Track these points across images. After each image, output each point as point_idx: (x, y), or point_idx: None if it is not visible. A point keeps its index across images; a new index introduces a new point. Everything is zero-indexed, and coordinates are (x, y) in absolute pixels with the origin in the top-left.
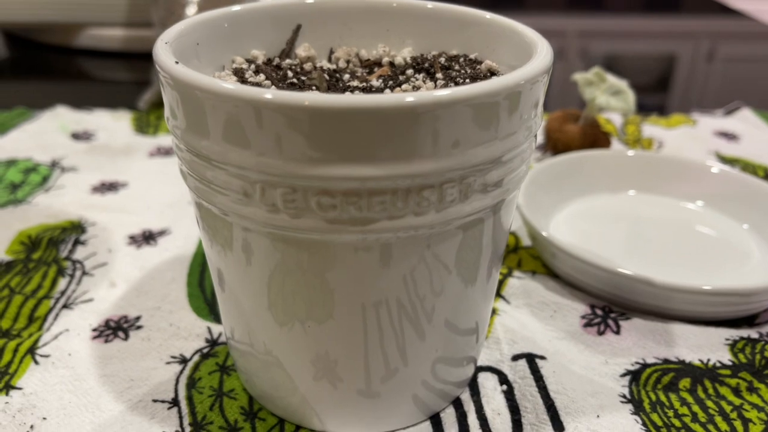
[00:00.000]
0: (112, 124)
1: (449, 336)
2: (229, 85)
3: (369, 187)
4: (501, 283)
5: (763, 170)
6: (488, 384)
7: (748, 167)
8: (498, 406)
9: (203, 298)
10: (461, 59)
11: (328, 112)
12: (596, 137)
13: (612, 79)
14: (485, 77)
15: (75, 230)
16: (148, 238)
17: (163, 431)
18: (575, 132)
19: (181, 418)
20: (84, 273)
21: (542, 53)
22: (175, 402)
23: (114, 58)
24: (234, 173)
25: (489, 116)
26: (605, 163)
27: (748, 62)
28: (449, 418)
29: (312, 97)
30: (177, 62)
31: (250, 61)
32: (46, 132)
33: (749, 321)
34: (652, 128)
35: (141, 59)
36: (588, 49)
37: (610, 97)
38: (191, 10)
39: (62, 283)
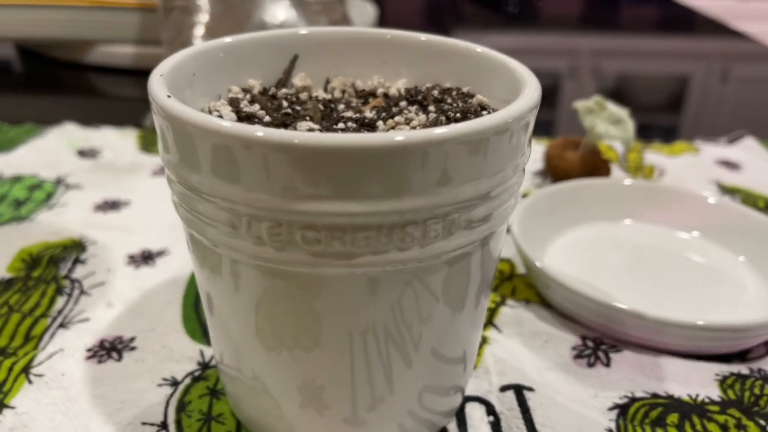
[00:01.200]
0: (118, 142)
1: (436, 365)
2: (219, 121)
3: (353, 222)
4: (493, 311)
5: (763, 200)
6: (475, 415)
7: (749, 197)
8: None
9: (198, 320)
10: (454, 92)
11: (312, 151)
12: (596, 165)
13: (612, 108)
14: (476, 111)
15: (76, 248)
16: (146, 258)
17: None
18: (575, 159)
19: None
20: (82, 292)
21: (531, 90)
22: (164, 425)
23: (124, 74)
24: (222, 206)
25: (475, 154)
26: (602, 192)
27: (762, 83)
28: None
29: (300, 136)
30: (169, 96)
31: (246, 91)
32: (53, 148)
33: (741, 356)
34: (654, 156)
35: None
36: (601, 68)
37: (610, 126)
38: (199, 30)
39: (60, 301)
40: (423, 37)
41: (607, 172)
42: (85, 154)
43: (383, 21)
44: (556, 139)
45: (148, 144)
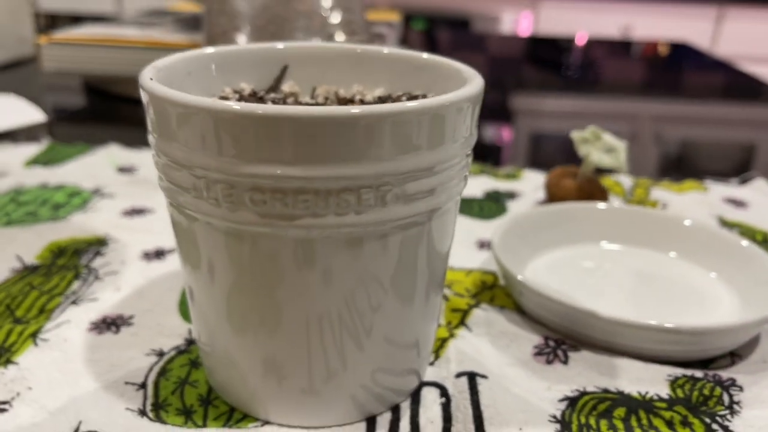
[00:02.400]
0: None
1: (387, 348)
2: (184, 95)
3: (293, 186)
4: (466, 312)
5: (761, 234)
6: (429, 396)
7: (747, 231)
8: (433, 415)
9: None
10: (420, 98)
11: (250, 118)
12: (592, 192)
13: (607, 138)
14: None
15: (98, 244)
16: (159, 254)
17: (127, 408)
18: (571, 187)
19: (145, 398)
20: (96, 278)
21: (475, 83)
22: (143, 385)
23: None
24: (189, 173)
25: (407, 131)
26: (581, 215)
27: None
28: (383, 421)
29: (241, 105)
30: (151, 79)
31: (237, 92)
32: (96, 165)
33: (704, 364)
34: (661, 192)
35: None
36: (662, 133)
37: (603, 155)
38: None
39: (76, 284)
40: (385, 50)
41: (605, 199)
42: (124, 170)
43: None
44: (555, 169)
45: None
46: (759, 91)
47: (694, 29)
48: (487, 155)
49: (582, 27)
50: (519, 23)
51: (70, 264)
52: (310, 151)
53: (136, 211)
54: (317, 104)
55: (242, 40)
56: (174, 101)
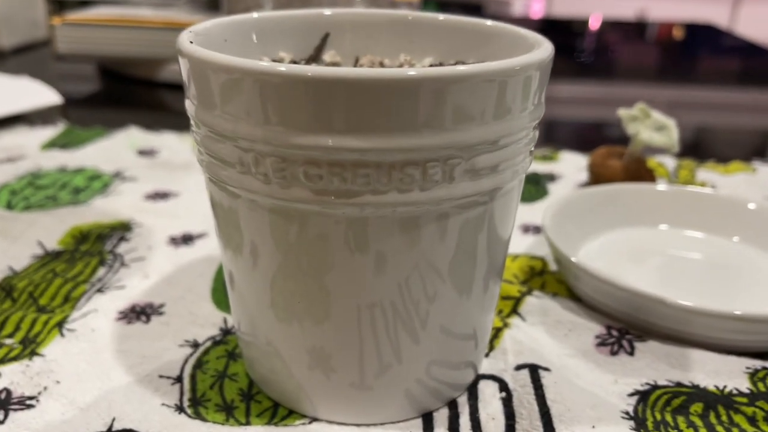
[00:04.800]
0: (176, 144)
1: (444, 339)
2: (229, 57)
3: (354, 158)
4: (518, 300)
5: None
6: (488, 390)
7: None
8: (494, 411)
9: (225, 293)
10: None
11: (307, 82)
12: (640, 173)
13: (656, 115)
14: None
15: (122, 229)
16: (186, 239)
17: (163, 403)
18: (618, 168)
19: (182, 393)
20: (122, 264)
21: (541, 48)
22: (179, 379)
23: None
24: (234, 145)
25: (478, 97)
26: (637, 196)
27: None
28: (441, 417)
29: (291, 68)
30: (191, 42)
31: (276, 61)
32: (115, 148)
33: None
34: (707, 174)
35: None
36: (678, 119)
37: (654, 132)
38: None
39: (101, 271)
40: (441, 17)
41: (652, 180)
42: (144, 153)
43: None
44: (599, 149)
45: None
46: None
47: (711, 11)
48: None
49: (596, 9)
50: (531, 6)
51: (94, 250)
52: (367, 118)
53: (159, 195)
54: None
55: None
56: (216, 64)
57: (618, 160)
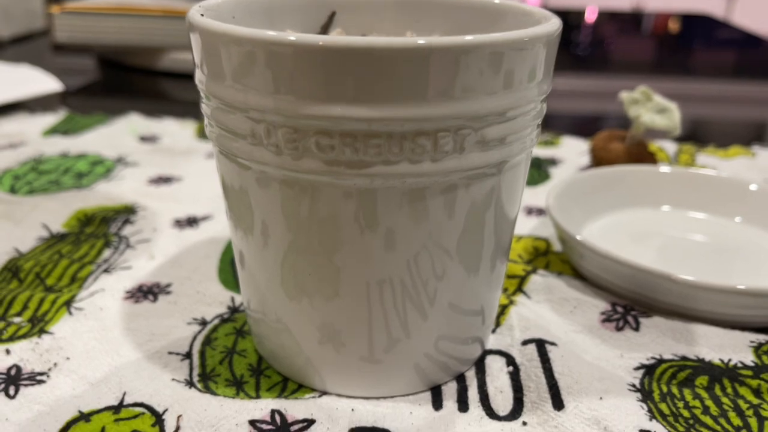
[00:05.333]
0: (177, 131)
1: (451, 315)
2: (238, 27)
3: (365, 129)
4: (523, 278)
5: None
6: (495, 365)
7: None
8: (501, 384)
9: (232, 272)
10: None
11: (317, 51)
12: (642, 156)
13: (658, 98)
14: None
15: (127, 212)
16: (191, 222)
17: (173, 378)
18: (620, 150)
19: (191, 369)
20: (128, 246)
21: (550, 22)
22: (188, 355)
23: (191, 79)
24: (245, 116)
25: (479, 70)
26: (640, 178)
27: None
28: (450, 390)
29: (301, 37)
30: (202, 15)
31: None
32: (117, 134)
33: None
34: (707, 158)
35: None
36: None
37: (655, 115)
38: None
39: (107, 253)
40: None
41: (654, 163)
42: (146, 139)
43: None
44: (601, 132)
45: (205, 133)
46: None
47: (706, 2)
48: None
49: (592, 0)
50: None
51: (99, 232)
52: (378, 87)
53: (162, 180)
54: None
55: None
56: (227, 35)
57: (620, 143)
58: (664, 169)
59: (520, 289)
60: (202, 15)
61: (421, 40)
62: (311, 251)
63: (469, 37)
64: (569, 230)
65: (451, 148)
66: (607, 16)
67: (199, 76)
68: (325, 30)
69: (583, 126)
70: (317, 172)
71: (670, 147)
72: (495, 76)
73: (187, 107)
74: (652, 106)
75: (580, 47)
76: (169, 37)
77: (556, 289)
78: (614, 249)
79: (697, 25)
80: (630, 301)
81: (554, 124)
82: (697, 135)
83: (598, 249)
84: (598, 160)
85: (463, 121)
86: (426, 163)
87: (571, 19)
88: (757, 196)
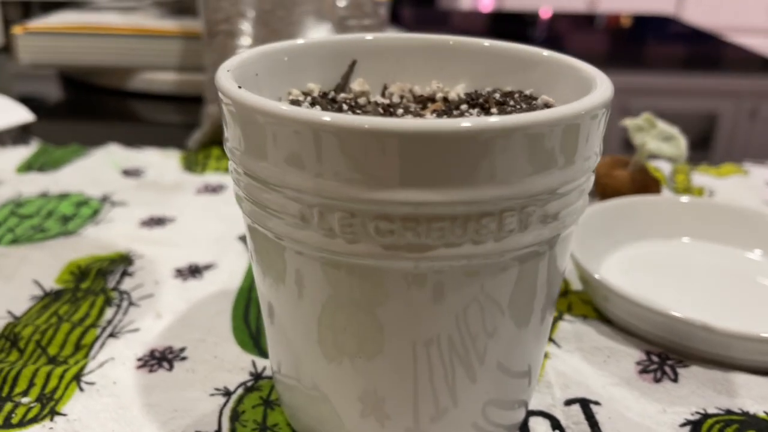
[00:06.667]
0: (161, 162)
1: (501, 378)
2: (290, 107)
3: (428, 212)
4: (551, 326)
5: None
6: (540, 429)
7: None
8: None
9: (248, 331)
10: (516, 95)
11: (386, 135)
12: (646, 183)
13: (662, 125)
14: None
15: (123, 262)
16: (194, 271)
17: None
18: (625, 177)
19: None
20: (131, 303)
21: (602, 87)
22: None
23: (166, 101)
24: (291, 196)
25: (548, 146)
26: (657, 208)
27: None
28: None
29: (371, 121)
30: (240, 87)
31: (306, 94)
32: (97, 168)
33: None
34: (702, 177)
35: (191, 102)
36: (628, 105)
37: (662, 143)
38: None
39: (109, 312)
40: (486, 42)
41: (658, 190)
42: (129, 173)
43: None
44: (603, 158)
45: (191, 164)
46: (720, 60)
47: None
48: None
49: (546, 2)
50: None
51: (97, 287)
52: (443, 171)
53: (155, 221)
54: (392, 104)
55: (248, 26)
56: (282, 116)
57: (623, 170)
58: (683, 199)
59: (549, 338)
60: (240, 87)
61: (491, 121)
62: (353, 306)
63: (541, 115)
64: (592, 272)
65: (516, 226)
66: (561, 17)
67: (232, 145)
68: (346, 80)
69: None
70: (374, 256)
71: (665, 166)
72: (562, 151)
73: (166, 132)
74: (657, 133)
75: (535, 42)
76: (140, 57)
77: (585, 336)
78: (637, 287)
79: (650, 26)
80: (663, 348)
81: None
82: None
83: (627, 294)
84: (603, 187)
85: (528, 200)
86: (490, 242)
87: (526, 18)
88: None
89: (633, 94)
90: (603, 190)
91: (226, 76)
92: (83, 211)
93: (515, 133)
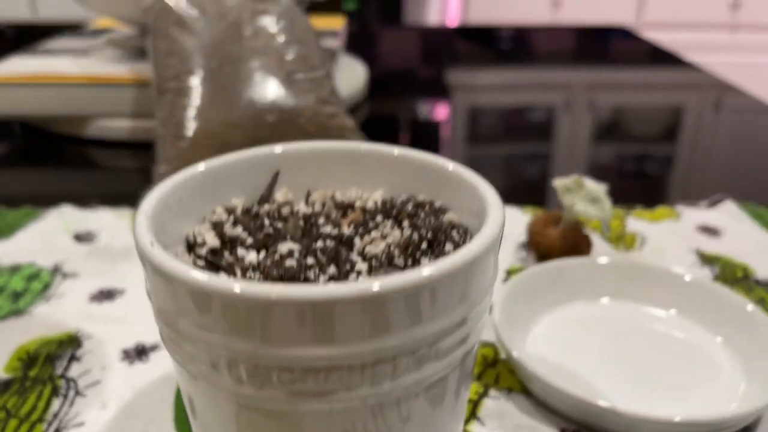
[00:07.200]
0: (114, 224)
1: None
2: (197, 274)
3: (325, 365)
4: (476, 403)
5: (742, 270)
6: None
7: (728, 266)
8: None
9: (187, 422)
10: (427, 207)
11: (282, 304)
12: (577, 241)
13: (590, 186)
14: (446, 231)
15: (71, 344)
16: (140, 353)
17: None
18: (556, 237)
19: None
20: (77, 393)
21: (495, 217)
22: None
23: (121, 147)
24: (203, 348)
25: (431, 299)
26: (579, 271)
27: (756, 113)
28: None
29: (273, 290)
30: (152, 243)
31: (229, 211)
32: (50, 233)
33: None
34: (636, 222)
35: (146, 149)
36: (595, 101)
37: (588, 205)
38: (191, 112)
39: (56, 404)
40: (396, 151)
41: (588, 248)
42: (81, 238)
43: (374, 74)
44: (538, 215)
45: None
46: (682, 61)
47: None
48: (424, 133)
49: (511, 15)
50: (447, 13)
51: (45, 375)
52: (334, 332)
53: (104, 295)
54: (314, 214)
55: (196, 83)
56: (187, 282)
57: (555, 229)
58: (601, 260)
59: (474, 416)
60: (151, 244)
61: (374, 286)
62: (269, 429)
63: (416, 275)
64: (513, 351)
65: (411, 366)
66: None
67: (148, 287)
68: (270, 190)
69: (509, 120)
70: (278, 400)
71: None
72: (456, 297)
73: (120, 178)
74: (584, 195)
75: (503, 42)
76: (95, 105)
77: (507, 413)
78: (562, 351)
79: (611, 38)
80: (579, 425)
81: (483, 118)
82: (617, 121)
83: (541, 376)
84: (536, 244)
85: (422, 343)
86: (386, 383)
87: (492, 31)
88: (691, 287)
89: (600, 90)
90: (537, 247)
91: (142, 225)
92: (34, 285)
93: (396, 294)
